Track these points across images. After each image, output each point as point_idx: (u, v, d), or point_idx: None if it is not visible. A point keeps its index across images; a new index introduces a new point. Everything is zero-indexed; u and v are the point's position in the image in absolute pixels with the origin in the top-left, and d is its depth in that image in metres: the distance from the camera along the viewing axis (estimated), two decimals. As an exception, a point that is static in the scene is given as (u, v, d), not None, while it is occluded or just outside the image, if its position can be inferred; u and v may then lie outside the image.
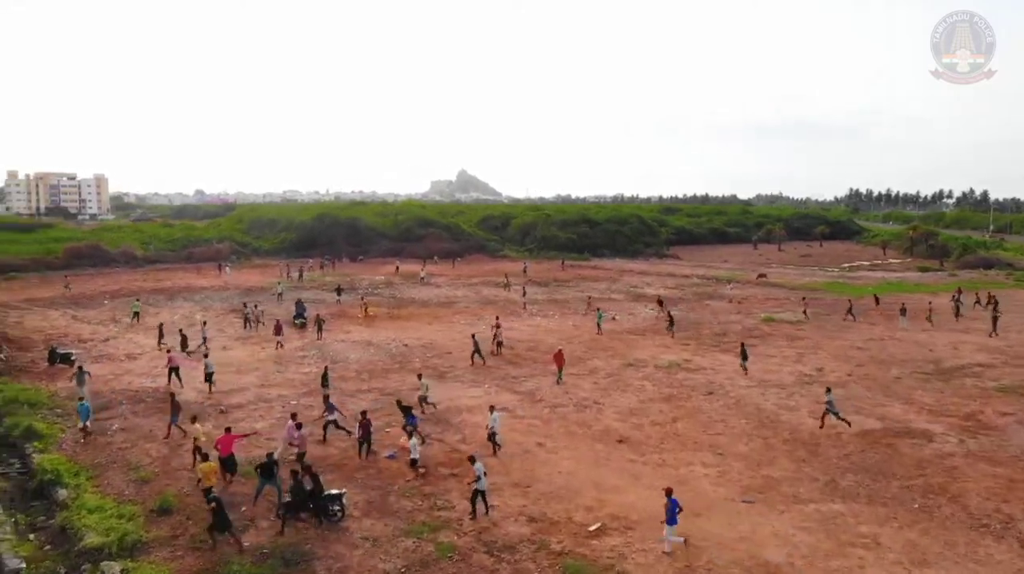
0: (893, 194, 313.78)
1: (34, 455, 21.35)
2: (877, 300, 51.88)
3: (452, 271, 75.28)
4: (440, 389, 29.42)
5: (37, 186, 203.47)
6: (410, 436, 21.04)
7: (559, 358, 31.39)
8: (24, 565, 15.16)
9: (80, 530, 16.67)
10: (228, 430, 20.87)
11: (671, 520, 16.20)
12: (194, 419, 21.88)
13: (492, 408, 23.19)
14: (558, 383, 30.53)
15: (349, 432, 23.21)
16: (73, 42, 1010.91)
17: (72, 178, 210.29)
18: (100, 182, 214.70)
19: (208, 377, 28.83)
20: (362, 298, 50.00)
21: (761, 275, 72.17)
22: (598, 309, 44.17)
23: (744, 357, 32.80)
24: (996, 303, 47.29)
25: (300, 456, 20.42)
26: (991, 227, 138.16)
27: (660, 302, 49.25)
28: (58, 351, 33.32)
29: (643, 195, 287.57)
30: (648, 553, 16.12)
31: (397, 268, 73.13)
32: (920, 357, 35.78)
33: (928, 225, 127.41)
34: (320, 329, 39.97)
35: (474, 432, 24.35)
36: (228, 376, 31.28)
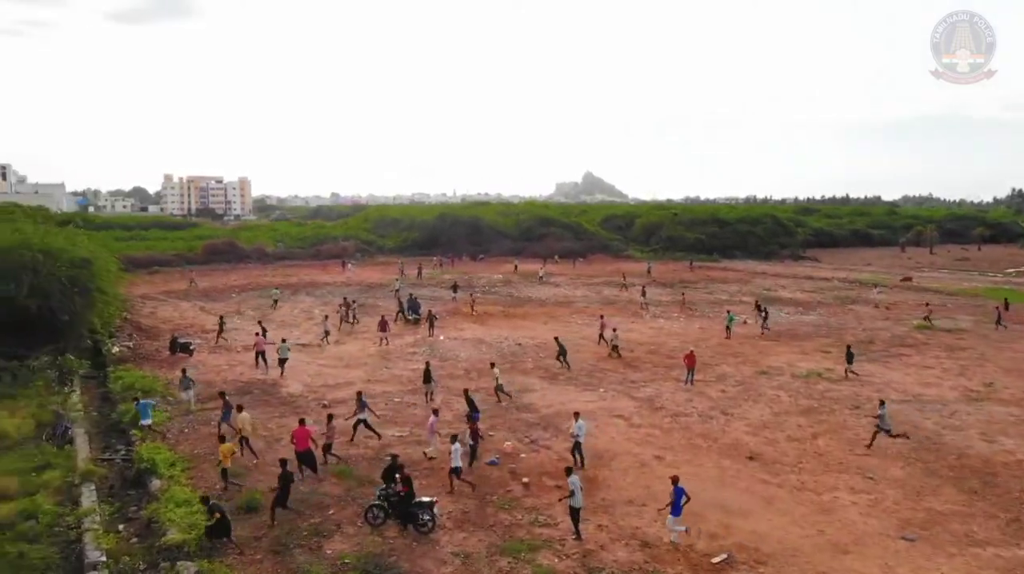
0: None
1: (136, 443, 21.11)
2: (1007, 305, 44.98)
3: (572, 270, 73.28)
4: (551, 392, 27.55)
5: (189, 189, 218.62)
6: (453, 440, 18.38)
7: (690, 359, 29.19)
8: (104, 558, 14.44)
9: (164, 524, 15.89)
10: (302, 422, 19.64)
11: (675, 511, 15.60)
12: (240, 408, 21.30)
13: (577, 415, 20.67)
14: (688, 385, 28.39)
15: (378, 435, 21.94)
16: (223, 56, 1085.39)
17: (219, 181, 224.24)
18: (244, 185, 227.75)
19: (281, 362, 29.69)
20: (471, 295, 48.86)
21: (905, 278, 65.63)
22: (728, 311, 40.87)
23: (850, 360, 30.08)
24: None
25: (327, 447, 19.88)
26: None
27: (758, 305, 45.41)
28: (179, 340, 33.95)
29: (777, 196, 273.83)
30: (785, 597, 13.47)
31: (515, 267, 71.92)
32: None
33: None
34: (432, 326, 39.04)
35: (587, 439, 22.19)
36: (336, 370, 30.74)
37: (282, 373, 29.52)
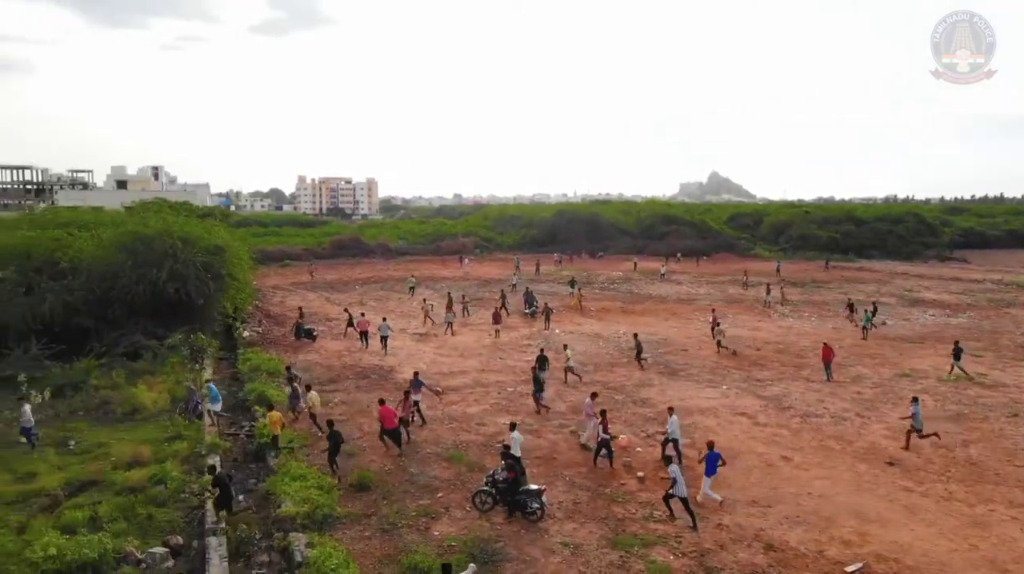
0: None
1: (259, 420, 21.78)
2: None
3: (696, 269, 70.94)
4: (670, 388, 26.43)
5: (320, 189, 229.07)
6: (512, 428, 17.94)
7: (827, 352, 27.76)
8: (222, 524, 14.82)
9: (280, 497, 16.18)
10: (382, 402, 19.97)
11: (710, 470, 16.38)
12: (308, 388, 22.31)
13: (671, 410, 19.39)
14: (827, 381, 27.09)
15: (424, 420, 21.86)
16: (352, 64, 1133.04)
17: (348, 182, 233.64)
18: (371, 185, 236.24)
19: (382, 340, 32.14)
20: (578, 290, 48.05)
21: None
22: (864, 310, 38.09)
23: (957, 357, 28.01)
24: None
25: (403, 421, 20.14)
26: None
27: (851, 306, 42.05)
28: (303, 327, 35.14)
29: (919, 196, 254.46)
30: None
31: (635, 265, 70.35)
32: None
33: None
34: (548, 319, 38.59)
35: (704, 436, 21.00)
36: (451, 359, 30.84)
37: (385, 351, 31.68)
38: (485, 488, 16.14)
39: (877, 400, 24.94)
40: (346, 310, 38.30)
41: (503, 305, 41.60)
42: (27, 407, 20.10)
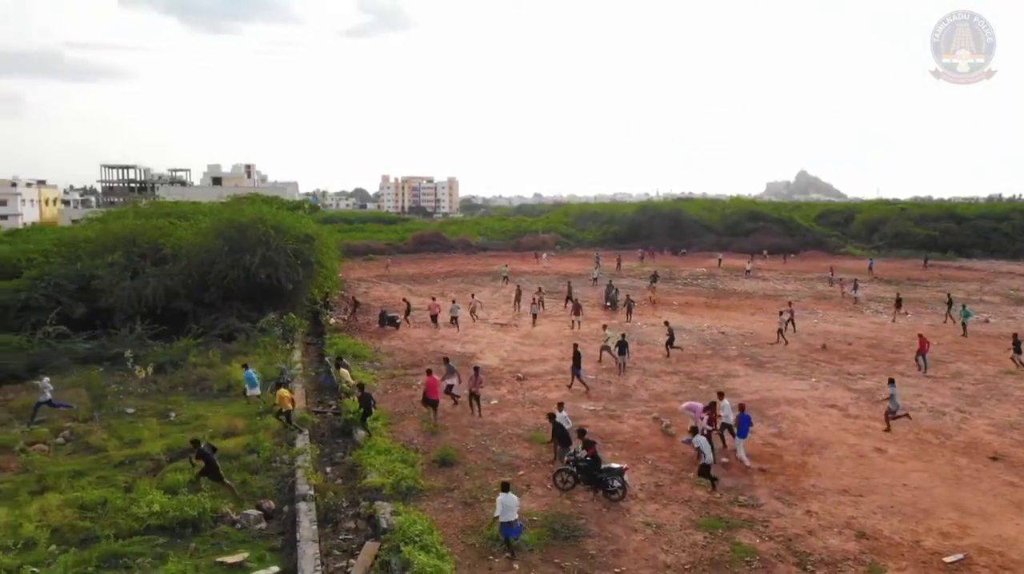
0: None
1: (344, 399, 22.39)
2: None
3: (783, 266, 68.88)
4: (755, 379, 25.82)
5: (403, 188, 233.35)
6: (560, 408, 18.20)
7: (924, 343, 27.06)
8: (311, 491, 15.32)
9: (366, 469, 16.62)
10: (429, 372, 21.56)
11: (742, 432, 17.47)
12: (339, 365, 23.68)
13: (721, 395, 19.18)
14: (923, 372, 26.45)
15: (456, 399, 22.17)
16: (435, 64, 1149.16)
17: (430, 181, 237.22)
18: (452, 184, 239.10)
19: (453, 319, 35.48)
20: (651, 285, 47.48)
21: None
22: (963, 306, 36.21)
23: (1017, 349, 27.46)
24: None
25: (474, 395, 21.32)
26: None
27: (899, 302, 40.20)
28: (387, 315, 35.96)
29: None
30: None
31: (719, 261, 68.84)
32: None
33: None
34: (630, 311, 38.23)
35: (792, 426, 20.49)
36: (531, 348, 30.97)
37: (458, 328, 34.74)
38: (566, 467, 16.15)
39: (979, 396, 23.68)
40: (404, 300, 38.84)
41: (568, 296, 41.74)
42: (47, 380, 21.08)
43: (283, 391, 19.91)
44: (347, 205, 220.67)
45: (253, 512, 14.66)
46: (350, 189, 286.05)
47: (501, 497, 13.07)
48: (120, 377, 24.94)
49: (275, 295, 31.75)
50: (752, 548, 13.29)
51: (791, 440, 19.37)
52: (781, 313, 33.98)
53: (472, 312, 37.92)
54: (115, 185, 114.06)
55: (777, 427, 20.39)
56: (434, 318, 36.01)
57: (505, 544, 13.15)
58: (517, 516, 13.08)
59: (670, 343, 29.79)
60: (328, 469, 17.72)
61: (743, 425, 17.61)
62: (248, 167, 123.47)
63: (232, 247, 31.38)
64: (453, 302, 36.98)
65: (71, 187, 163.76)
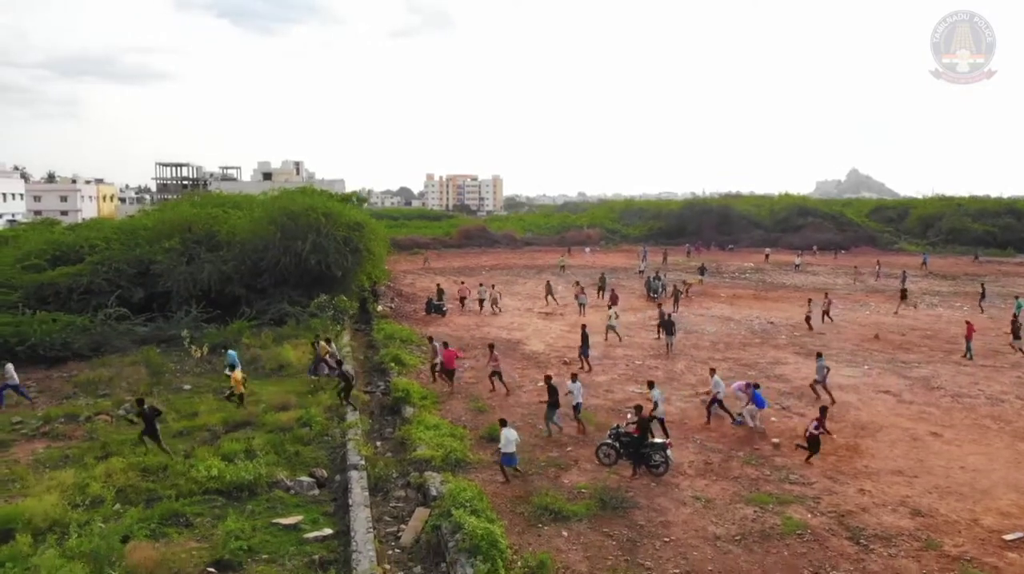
0: None
1: (393, 378, 22.75)
2: None
3: (833, 262, 67.56)
4: (804, 366, 25.39)
5: (447, 186, 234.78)
6: (574, 379, 19.03)
7: (970, 330, 27.01)
8: (363, 462, 15.62)
9: (415, 442, 16.87)
10: (446, 344, 23.31)
11: (760, 405, 18.54)
12: (328, 341, 23.76)
13: (713, 371, 20.09)
14: (967, 358, 26.33)
15: (496, 375, 22.26)
16: (479, 64, 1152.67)
17: (474, 179, 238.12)
18: (496, 182, 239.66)
19: (480, 302, 37.30)
20: (699, 278, 47.24)
21: None
22: (1016, 297, 35.13)
23: (1016, 335, 27.52)
24: None
25: (495, 373, 22.06)
26: None
27: (903, 294, 39.59)
28: (434, 302, 36.34)
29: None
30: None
31: (767, 256, 67.86)
32: None
33: None
34: (677, 301, 37.96)
35: (844, 410, 20.18)
36: (575, 335, 30.85)
37: (493, 311, 36.32)
38: (608, 441, 16.14)
39: (1041, 385, 23.00)
40: (437, 285, 40.60)
41: (600, 287, 42.67)
42: (10, 367, 20.61)
43: (237, 374, 20.25)
44: (392, 203, 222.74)
45: (306, 479, 15.02)
46: (395, 188, 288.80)
47: (504, 431, 14.99)
48: (177, 357, 25.73)
49: (325, 281, 32.33)
50: (803, 522, 13.15)
51: (843, 423, 19.08)
52: (810, 301, 34.26)
53: (494, 303, 37.52)
54: (169, 182, 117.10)
55: (829, 412, 20.07)
56: (462, 300, 38.13)
57: (503, 472, 15.10)
58: (515, 449, 14.99)
59: (665, 329, 28.41)
60: (378, 443, 18.04)
61: (758, 401, 18.62)
62: (297, 163, 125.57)
63: (284, 234, 32.07)
64: (480, 286, 38.80)
65: (126, 186, 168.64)
